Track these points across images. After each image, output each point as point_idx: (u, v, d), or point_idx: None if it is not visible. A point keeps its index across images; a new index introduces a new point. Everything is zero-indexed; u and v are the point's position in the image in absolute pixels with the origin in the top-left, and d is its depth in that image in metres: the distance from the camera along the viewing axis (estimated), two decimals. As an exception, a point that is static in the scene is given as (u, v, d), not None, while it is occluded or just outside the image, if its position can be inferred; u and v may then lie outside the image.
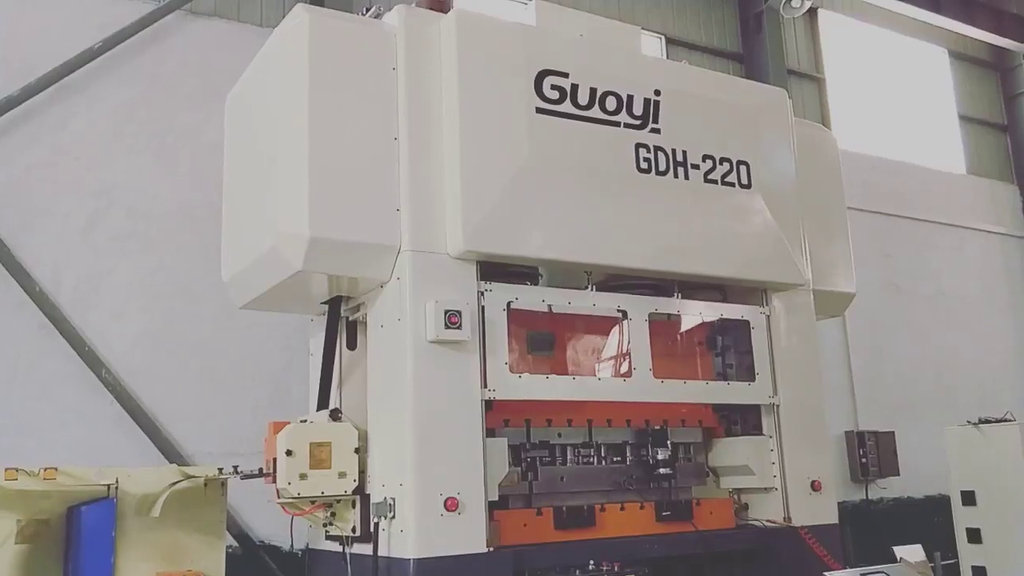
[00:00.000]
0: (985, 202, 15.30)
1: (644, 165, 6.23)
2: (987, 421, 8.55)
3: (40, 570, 4.91)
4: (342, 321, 6.10)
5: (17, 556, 4.89)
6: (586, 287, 6.23)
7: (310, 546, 6.42)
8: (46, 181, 8.22)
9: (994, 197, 15.46)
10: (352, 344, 6.16)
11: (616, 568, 5.59)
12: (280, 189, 5.55)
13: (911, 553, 9.41)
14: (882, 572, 6.13)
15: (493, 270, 5.83)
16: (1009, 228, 15.50)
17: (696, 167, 6.45)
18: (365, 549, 5.39)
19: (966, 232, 14.78)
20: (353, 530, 5.57)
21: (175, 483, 5.21)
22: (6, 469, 4.83)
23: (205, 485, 5.41)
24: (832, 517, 6.73)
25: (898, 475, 12.51)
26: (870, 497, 12.48)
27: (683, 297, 6.58)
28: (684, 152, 6.41)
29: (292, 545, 7.66)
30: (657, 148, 6.30)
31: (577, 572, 5.51)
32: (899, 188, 14.01)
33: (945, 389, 13.20)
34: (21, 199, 8.10)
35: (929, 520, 12.13)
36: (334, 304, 6.01)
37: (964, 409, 8.90)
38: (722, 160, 6.57)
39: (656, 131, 6.33)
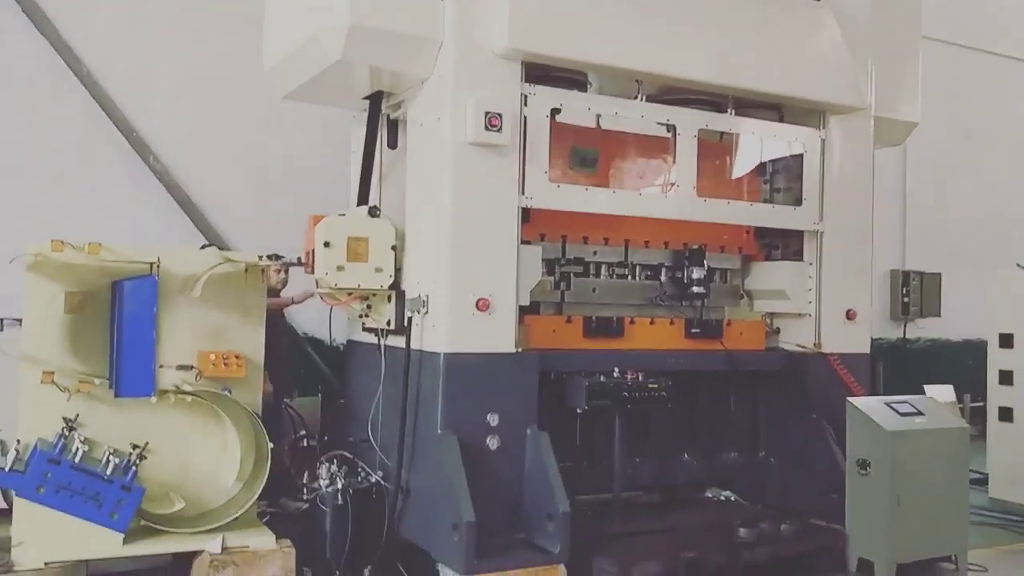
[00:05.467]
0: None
1: (709, -34, 5.85)
2: (1036, 265, 8.35)
3: (88, 340, 5.13)
4: (383, 118, 6.01)
5: (67, 325, 5.11)
6: (636, 97, 6.01)
7: (348, 338, 6.65)
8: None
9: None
10: (393, 143, 6.10)
11: (640, 377, 5.70)
12: (321, -26, 5.33)
13: (942, 393, 9.49)
14: (907, 402, 6.17)
15: (538, 73, 5.63)
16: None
17: (765, -27, 6.04)
18: (398, 342, 5.56)
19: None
20: (388, 323, 5.72)
21: (216, 265, 5.31)
22: (52, 240, 4.97)
23: (246, 271, 5.53)
24: (864, 347, 6.73)
25: (939, 316, 12.44)
26: (908, 336, 12.48)
27: (737, 115, 6.34)
28: (754, -46, 5.99)
29: (332, 339, 7.97)
30: (725, -52, 5.89)
31: (601, 377, 5.64)
32: (981, 19, 13.08)
33: (1000, 235, 12.84)
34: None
35: (963, 363, 12.16)
36: (375, 100, 5.91)
37: (1017, 256, 8.65)
38: (794, -33, 6.14)
39: (726, -71, 5.90)
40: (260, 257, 5.65)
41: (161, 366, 5.22)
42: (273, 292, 7.05)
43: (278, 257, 6.23)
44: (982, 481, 8.41)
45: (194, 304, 5.32)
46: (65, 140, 7.93)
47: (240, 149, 8.44)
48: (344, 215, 5.69)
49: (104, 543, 4.90)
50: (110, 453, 5.00)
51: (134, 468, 4.98)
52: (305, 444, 7.45)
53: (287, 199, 8.28)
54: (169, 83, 8.27)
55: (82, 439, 5.00)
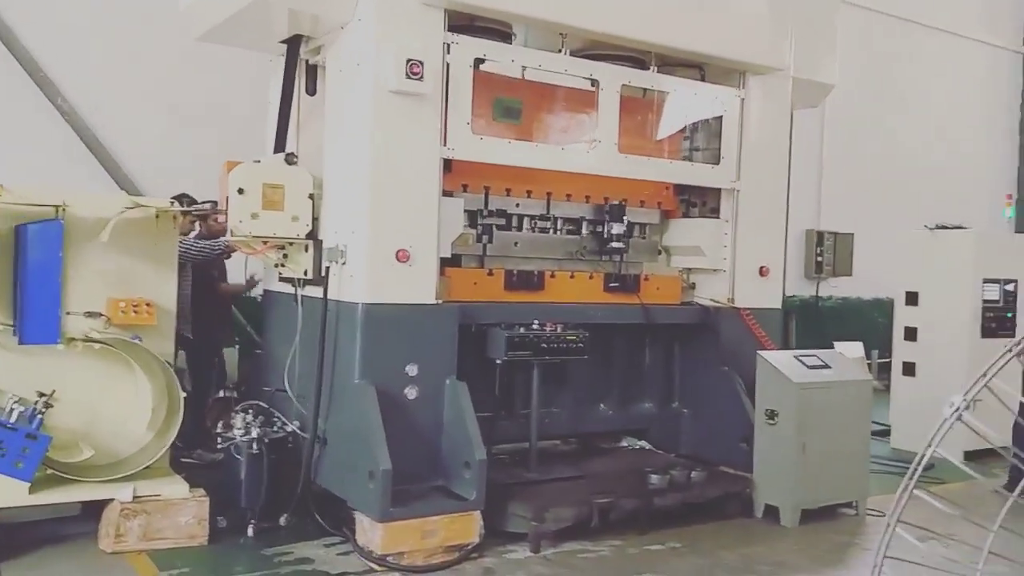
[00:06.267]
0: (987, 11, 14.79)
1: (633, -78, 5.83)
2: (944, 227, 8.68)
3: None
4: (302, 64, 5.87)
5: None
6: (560, 51, 6.00)
7: (265, 288, 6.56)
8: None
9: (993, 8, 14.92)
10: (311, 89, 5.98)
11: (559, 329, 5.78)
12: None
13: (851, 349, 9.87)
14: (814, 356, 6.39)
15: (462, 22, 5.58)
16: (1007, 41, 15.08)
17: (688, -70, 6.06)
18: (316, 292, 5.51)
19: (962, 41, 14.36)
20: (305, 273, 5.65)
21: (125, 210, 5.16)
22: (-51, 181, 4.78)
23: (157, 217, 5.39)
24: (776, 303, 6.93)
25: (850, 275, 12.87)
26: (821, 294, 12.89)
27: (660, 73, 6.39)
28: (677, -90, 6.00)
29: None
30: (649, -96, 5.88)
31: (521, 329, 5.70)
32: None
33: (910, 197, 13.28)
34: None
35: (873, 321, 12.65)
36: (293, 44, 5.76)
37: (925, 218, 8.99)
38: (716, -75, 6.18)
39: None
40: (171, 202, 5.51)
41: (68, 313, 5.09)
42: (213, 236, 6.89)
43: (188, 198, 6.09)
44: (886, 432, 8.80)
45: (103, 250, 5.18)
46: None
47: (153, 91, 8.16)
48: (260, 162, 5.58)
49: (9, 492, 4.78)
50: (14, 401, 4.88)
51: (40, 416, 4.86)
52: (223, 395, 7.38)
53: (201, 144, 8.03)
54: (78, 20, 7.92)
55: (-16, 387, 4.86)
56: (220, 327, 7.23)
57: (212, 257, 6.78)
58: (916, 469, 2.33)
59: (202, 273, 6.76)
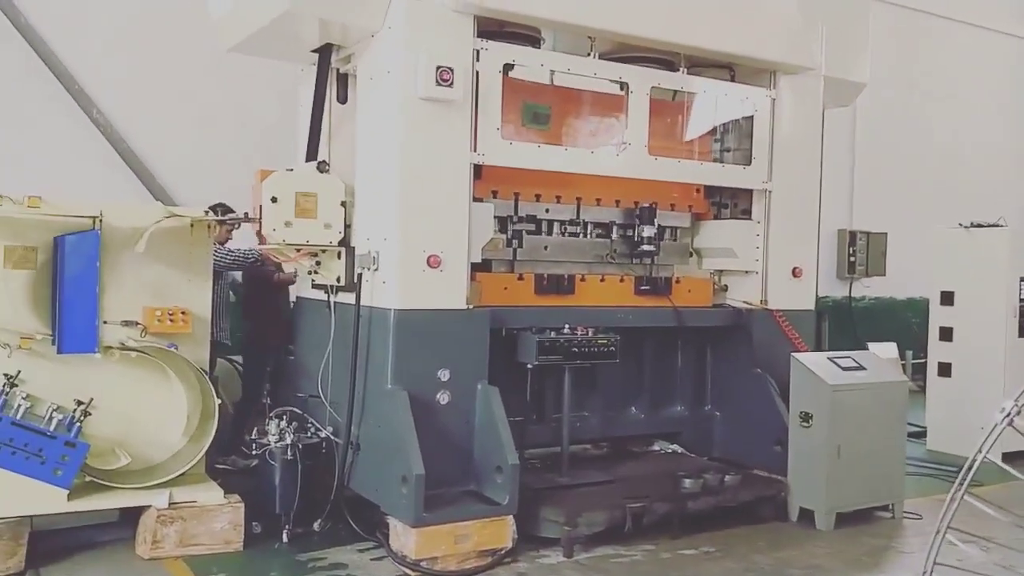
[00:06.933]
0: (1019, 3, 14.56)
1: (662, -77, 5.81)
2: (979, 225, 8.55)
3: (33, 295, 5.05)
4: (332, 72, 5.91)
5: (10, 279, 5.02)
6: (589, 55, 6.00)
7: (298, 294, 6.60)
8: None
9: (1026, -1, 14.72)
10: (342, 97, 6.02)
11: (589, 333, 5.77)
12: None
13: (885, 350, 9.73)
14: (849, 357, 6.33)
15: (491, 28, 5.59)
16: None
17: (716, -70, 6.03)
18: (348, 298, 5.54)
19: (994, 34, 14.14)
20: (338, 280, 5.69)
21: (160, 220, 5.22)
22: (-10, 195, 4.87)
23: (192, 226, 5.45)
24: (809, 304, 6.87)
25: (884, 275, 12.71)
26: (854, 295, 12.75)
27: (689, 74, 6.36)
28: (706, -88, 5.97)
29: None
30: (677, -95, 5.86)
31: (551, 333, 5.69)
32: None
33: (944, 196, 13.08)
34: (1, -79, 7.63)
35: (907, 321, 12.49)
36: (324, 53, 5.80)
37: (959, 217, 8.86)
38: (744, -75, 6.14)
39: None
40: (205, 212, 5.57)
41: (105, 322, 5.16)
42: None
43: (223, 207, 6.15)
44: (921, 434, 8.69)
45: (139, 259, 5.25)
46: (3, 92, 7.69)
47: (186, 102, 8.25)
48: (292, 170, 5.62)
49: (48, 499, 4.86)
50: (53, 409, 4.96)
51: (78, 424, 4.94)
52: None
53: (234, 154, 8.13)
54: (111, 34, 8.03)
55: (24, 395, 4.94)
56: (273, 335, 7.16)
57: (246, 265, 6.84)
58: (968, 475, 2.31)
59: (253, 281, 6.78)
